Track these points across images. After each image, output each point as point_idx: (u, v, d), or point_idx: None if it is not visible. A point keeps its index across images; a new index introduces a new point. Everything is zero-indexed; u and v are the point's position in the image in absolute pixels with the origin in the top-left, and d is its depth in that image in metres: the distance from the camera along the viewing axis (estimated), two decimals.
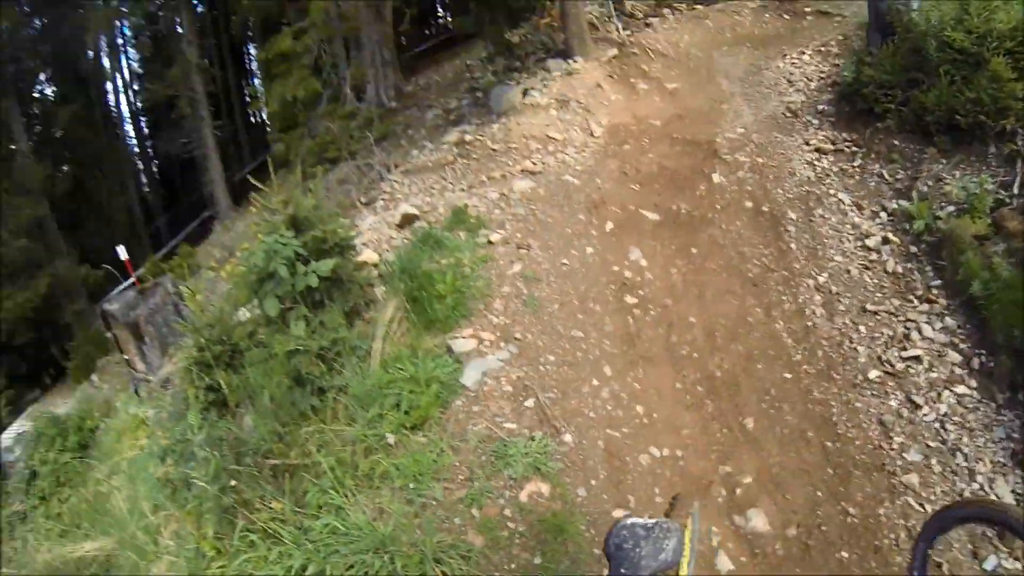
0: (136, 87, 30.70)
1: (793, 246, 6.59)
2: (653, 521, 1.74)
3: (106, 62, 29.39)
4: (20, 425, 16.65)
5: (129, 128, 32.05)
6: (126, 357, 9.20)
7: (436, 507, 4.29)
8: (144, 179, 32.73)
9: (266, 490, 4.71)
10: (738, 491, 4.73)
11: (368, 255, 6.92)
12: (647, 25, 12.98)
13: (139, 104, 31.03)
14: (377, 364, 5.26)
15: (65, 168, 23.58)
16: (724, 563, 4.28)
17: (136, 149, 32.65)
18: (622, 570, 1.62)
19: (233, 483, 4.71)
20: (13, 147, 19.93)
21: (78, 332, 19.35)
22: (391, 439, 4.70)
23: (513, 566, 3.96)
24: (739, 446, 5.07)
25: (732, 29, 12.57)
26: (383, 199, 9.63)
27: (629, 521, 1.76)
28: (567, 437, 4.75)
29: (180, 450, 5.38)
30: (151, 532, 6.01)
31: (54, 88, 24.73)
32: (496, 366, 5.24)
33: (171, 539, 5.74)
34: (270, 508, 4.57)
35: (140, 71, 30.45)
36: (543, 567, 3.95)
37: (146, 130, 32.23)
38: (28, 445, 11.66)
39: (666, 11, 13.51)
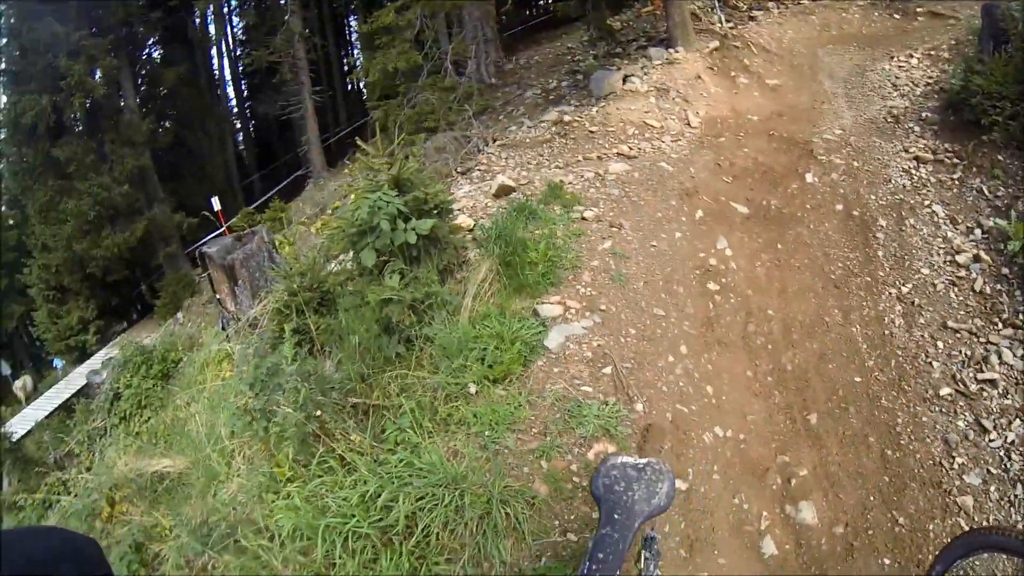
0: (239, 52, 31.89)
1: (880, 253, 6.56)
2: (644, 461, 1.70)
3: (212, 29, 30.87)
4: (107, 352, 17.68)
5: (230, 90, 33.52)
6: (219, 296, 9.60)
7: (508, 455, 4.45)
8: (241, 137, 34.12)
9: (347, 423, 4.97)
10: (793, 482, 4.80)
11: (463, 220, 7.11)
12: (751, 18, 12.83)
13: (241, 68, 32.27)
14: (466, 319, 5.44)
15: (168, 124, 24.76)
16: (769, 547, 4.37)
17: (235, 110, 33.98)
18: (615, 515, 1.62)
19: (318, 413, 4.96)
20: (122, 103, 20.97)
21: (168, 273, 20.44)
22: (472, 389, 4.88)
23: (572, 516, 4.10)
24: (800, 439, 5.12)
25: (839, 26, 12.33)
26: (479, 170, 9.80)
27: (619, 460, 1.71)
28: (638, 406, 4.86)
29: (269, 381, 5.65)
30: (225, 456, 6.36)
31: (161, 51, 25.88)
32: (579, 332, 5.38)
33: (243, 464, 6.10)
34: (349, 440, 4.83)
35: (243, 38, 31.65)
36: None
37: (246, 92, 33.48)
38: (114, 370, 12.40)
39: (771, 4, 13.33)
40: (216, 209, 16.19)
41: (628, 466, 1.68)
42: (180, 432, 8.34)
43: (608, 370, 5.08)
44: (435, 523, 3.93)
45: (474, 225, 7.08)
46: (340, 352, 5.75)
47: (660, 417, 4.88)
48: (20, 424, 16.29)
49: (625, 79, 10.64)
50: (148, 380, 11.25)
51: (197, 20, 27.77)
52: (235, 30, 32.14)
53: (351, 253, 6.43)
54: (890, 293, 6.11)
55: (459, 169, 10.24)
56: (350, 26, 33.14)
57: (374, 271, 5.81)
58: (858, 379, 5.48)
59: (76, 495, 8.98)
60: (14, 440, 14.59)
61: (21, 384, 23.43)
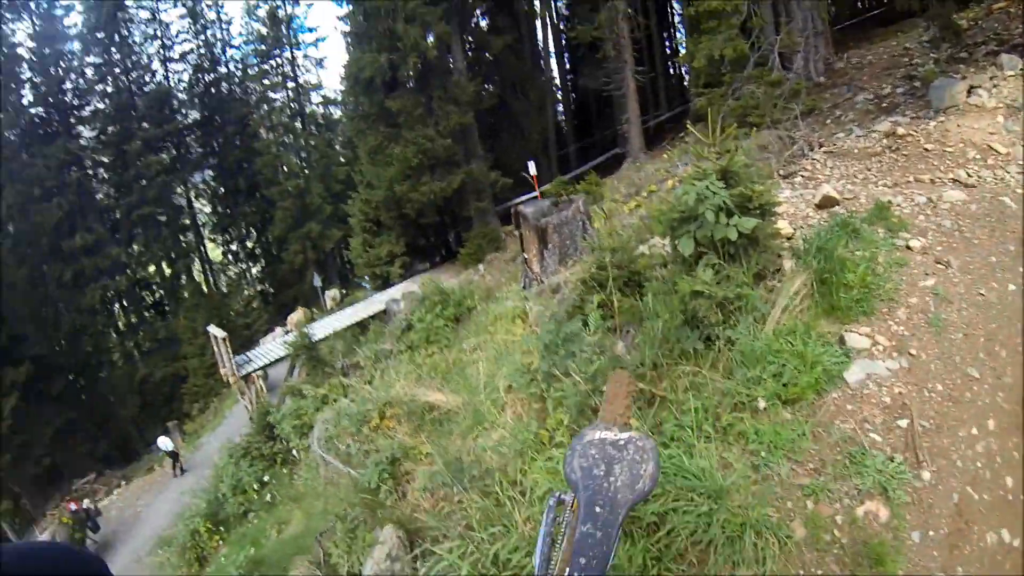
0: (563, 27, 33.80)
1: None
2: (625, 436, 1.46)
3: (537, 3, 33.41)
4: (407, 286, 20.08)
5: (553, 63, 36.01)
6: (525, 256, 10.31)
7: (776, 483, 4.33)
8: (561, 108, 36.17)
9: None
10: None
11: (783, 226, 6.99)
12: None
13: (564, 42, 34.08)
14: (770, 330, 5.38)
15: (492, 88, 27.27)
16: None
17: (557, 81, 36.48)
18: (596, 508, 1.34)
19: (604, 388, 5.27)
20: (451, 65, 23.33)
21: (477, 226, 22.67)
22: (761, 404, 4.85)
23: (820, 572, 3.86)
24: None
25: None
26: (802, 175, 9.49)
27: (598, 435, 1.46)
28: (925, 474, 4.41)
29: (563, 346, 6.05)
30: (497, 406, 6.94)
31: (488, 21, 28.70)
32: (882, 373, 5.10)
33: (512, 418, 6.59)
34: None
35: (567, 12, 33.84)
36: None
37: (568, 65, 35.39)
38: (412, 302, 14.05)
39: None
40: (532, 173, 17.44)
41: (608, 443, 1.39)
42: (459, 374, 9.21)
43: (903, 423, 4.71)
44: (684, 529, 3.96)
45: (793, 233, 6.93)
46: (638, 335, 5.98)
47: (945, 494, 4.38)
48: (320, 328, 19.29)
49: (970, 91, 9.61)
50: (440, 319, 12.60)
51: None
52: (559, 4, 34.18)
53: (667, 239, 6.61)
54: None
55: (782, 172, 9.96)
56: (673, 8, 34.27)
57: (688, 261, 5.91)
58: None
59: (353, 400, 10.42)
60: (314, 340, 17.24)
61: (332, 295, 27.85)
